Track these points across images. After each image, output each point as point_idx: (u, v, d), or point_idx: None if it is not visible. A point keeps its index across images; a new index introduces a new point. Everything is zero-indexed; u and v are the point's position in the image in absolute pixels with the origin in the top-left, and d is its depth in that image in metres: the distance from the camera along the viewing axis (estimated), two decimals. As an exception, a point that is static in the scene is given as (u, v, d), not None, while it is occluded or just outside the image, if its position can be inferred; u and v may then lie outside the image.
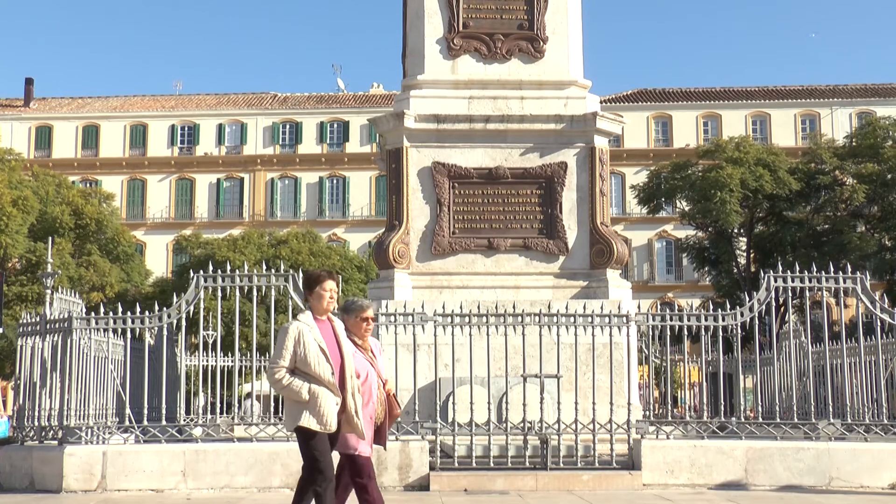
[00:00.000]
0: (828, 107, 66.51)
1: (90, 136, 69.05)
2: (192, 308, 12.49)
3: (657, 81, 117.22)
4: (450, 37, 14.97)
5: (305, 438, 7.82)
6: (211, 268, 12.97)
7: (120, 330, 12.96)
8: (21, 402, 13.57)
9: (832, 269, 13.14)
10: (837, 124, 63.97)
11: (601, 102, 15.39)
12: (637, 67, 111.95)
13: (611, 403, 11.97)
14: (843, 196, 44.37)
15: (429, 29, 15.00)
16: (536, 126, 14.74)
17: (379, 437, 8.32)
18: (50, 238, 36.65)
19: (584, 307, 12.51)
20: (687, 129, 66.77)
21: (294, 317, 8.09)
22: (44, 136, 68.95)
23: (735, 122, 64.72)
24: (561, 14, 15.10)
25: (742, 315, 12.66)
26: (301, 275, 10.74)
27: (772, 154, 44.81)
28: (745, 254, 46.35)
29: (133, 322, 12.70)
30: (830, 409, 12.91)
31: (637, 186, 49.68)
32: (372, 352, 8.38)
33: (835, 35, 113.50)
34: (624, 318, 12.44)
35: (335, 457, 7.93)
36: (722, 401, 15.71)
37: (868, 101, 65.83)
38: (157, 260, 63.90)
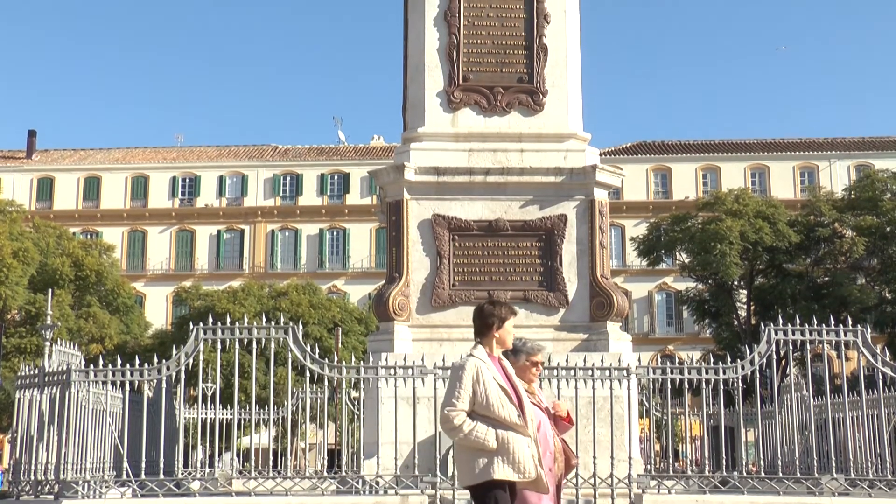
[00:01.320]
0: (826, 159, 66.81)
1: (92, 187, 69.28)
2: (191, 360, 12.44)
3: (656, 134, 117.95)
4: (450, 90, 15.07)
5: (487, 494, 6.86)
6: (210, 320, 12.93)
7: (118, 382, 12.90)
8: (17, 455, 13.47)
9: (833, 322, 13.09)
10: (836, 177, 64.21)
11: (601, 155, 15.46)
12: (636, 120, 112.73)
13: (612, 457, 11.87)
14: (842, 248, 44.40)
15: (429, 82, 15.10)
16: (536, 179, 14.78)
17: (557, 494, 7.47)
18: (50, 290, 36.63)
19: (585, 360, 12.46)
20: (686, 182, 67.01)
21: (469, 354, 7.29)
22: (45, 188, 69.18)
23: (734, 175, 64.95)
24: (560, 68, 15.21)
25: (743, 368, 12.61)
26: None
27: (771, 206, 44.92)
28: (745, 306, 46.27)
29: (132, 374, 12.64)
30: (833, 464, 12.80)
31: (637, 239, 49.74)
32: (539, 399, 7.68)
33: (832, 88, 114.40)
34: (624, 372, 12.39)
35: None
36: (724, 455, 15.58)
37: (866, 154, 66.16)
38: (157, 311, 63.79)
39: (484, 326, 7.25)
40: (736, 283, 45.49)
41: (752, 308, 45.56)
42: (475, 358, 7.09)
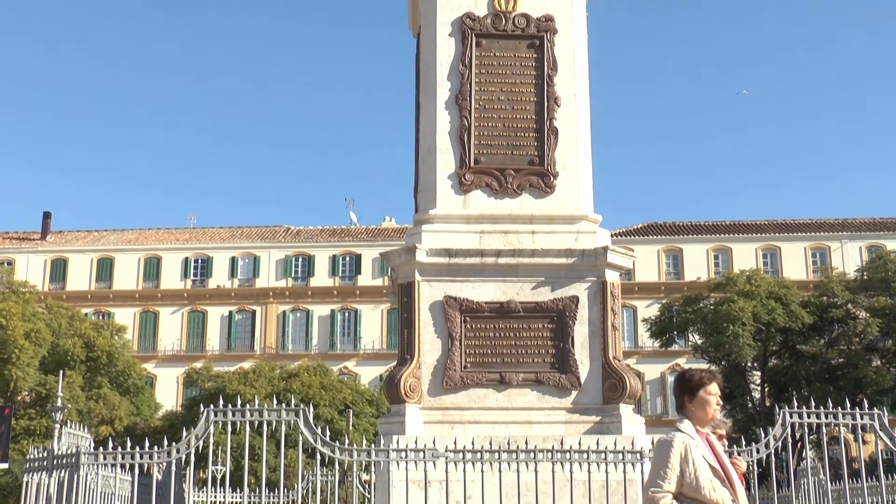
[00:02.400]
0: (838, 240, 66.83)
1: (104, 268, 69.63)
2: (201, 443, 12.36)
3: (667, 215, 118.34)
4: (461, 172, 15.18)
5: None
6: (221, 401, 12.88)
7: (128, 465, 12.80)
8: (25, 539, 13.31)
9: (849, 405, 12.97)
10: (848, 258, 64.15)
11: (612, 236, 15.49)
12: (647, 201, 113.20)
13: (626, 543, 11.67)
14: (856, 330, 44.15)
15: (440, 164, 15.22)
16: (548, 260, 14.80)
17: None
18: (61, 371, 36.54)
19: (598, 443, 12.32)
20: (698, 263, 67.01)
21: (675, 428, 6.74)
22: (59, 269, 69.54)
23: (746, 256, 64.97)
24: (571, 150, 15.32)
25: (758, 451, 12.45)
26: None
27: (783, 287, 44.82)
28: (759, 388, 45.90)
29: (141, 457, 12.55)
30: (852, 550, 12.57)
31: (649, 320, 49.58)
32: None
33: (843, 169, 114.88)
34: (637, 455, 12.24)
35: None
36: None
37: (878, 235, 66.18)
38: (168, 393, 63.56)
39: (688, 396, 6.69)
40: (749, 364, 45.19)
41: (767, 390, 45.19)
42: (682, 433, 6.51)
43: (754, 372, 46.26)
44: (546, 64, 15.28)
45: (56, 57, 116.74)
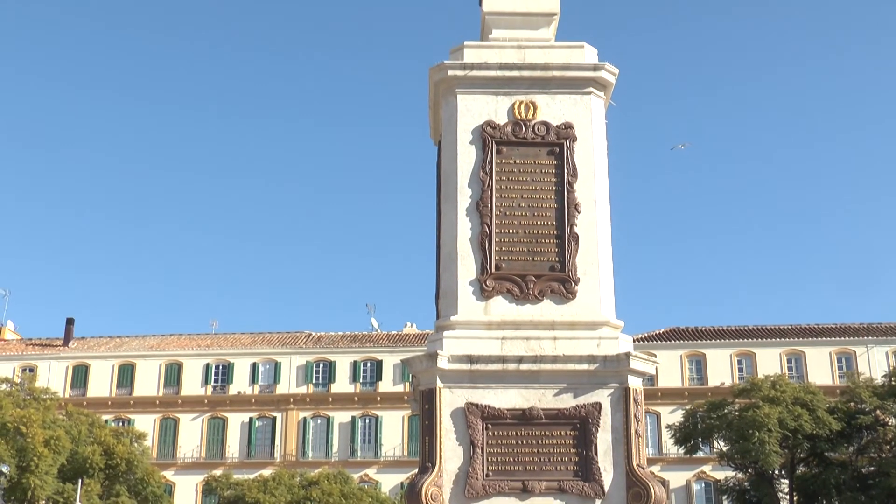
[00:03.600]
0: (863, 345, 66.20)
1: (126, 374, 69.67)
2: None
3: (689, 320, 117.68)
4: (482, 278, 15.18)
5: None
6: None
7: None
8: None
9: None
10: (874, 362, 63.47)
11: (634, 341, 15.39)
12: (669, 305, 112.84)
13: None
14: (886, 437, 43.40)
15: (462, 271, 15.24)
16: (569, 367, 14.68)
17: None
18: (79, 479, 36.26)
19: (623, 554, 12.04)
20: (721, 368, 66.42)
21: None
22: (80, 375, 69.62)
23: (770, 361, 64.39)
24: (591, 255, 15.34)
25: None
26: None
27: (809, 393, 44.24)
28: (788, 496, 44.95)
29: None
30: None
31: (673, 426, 48.92)
32: None
33: (867, 272, 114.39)
34: (665, 567, 11.95)
35: None
36: None
37: (904, 340, 65.57)
38: (187, 501, 62.92)
39: None
40: (777, 472, 44.38)
41: (795, 498, 44.24)
42: None
43: (782, 480, 45.38)
44: (566, 171, 15.40)
45: (76, 158, 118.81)
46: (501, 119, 15.59)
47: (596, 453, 14.35)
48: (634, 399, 14.60)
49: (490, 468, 14.27)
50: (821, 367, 65.23)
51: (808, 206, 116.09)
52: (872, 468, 43.25)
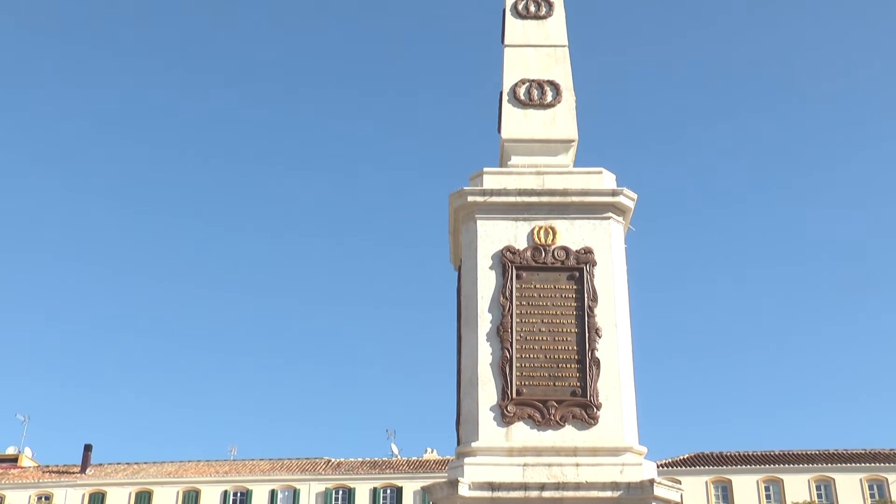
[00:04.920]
0: (895, 472, 64.79)
1: (143, 501, 68.86)
2: None
3: (714, 444, 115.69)
4: (503, 404, 15.05)
5: None
6: None
7: None
8: None
9: None
10: (905, 489, 62.00)
11: (658, 467, 15.14)
12: (693, 429, 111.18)
13: None
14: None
15: (482, 396, 15.12)
16: (592, 494, 14.41)
17: None
18: None
19: None
20: (748, 495, 65.03)
21: None
22: (97, 503, 68.79)
23: (798, 487, 63.08)
24: (613, 380, 15.21)
25: None
26: None
27: (839, 521, 43.27)
28: None
29: None
30: None
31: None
32: None
33: None
34: None
35: None
36: None
37: (935, 466, 64.19)
38: None
39: None
40: None
41: None
42: None
43: None
44: (586, 295, 15.41)
45: (93, 281, 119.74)
46: (521, 244, 15.69)
47: (622, 586, 13.96)
48: (660, 527, 14.27)
49: None
50: (851, 495, 63.78)
51: (834, 325, 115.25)
52: None
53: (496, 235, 15.75)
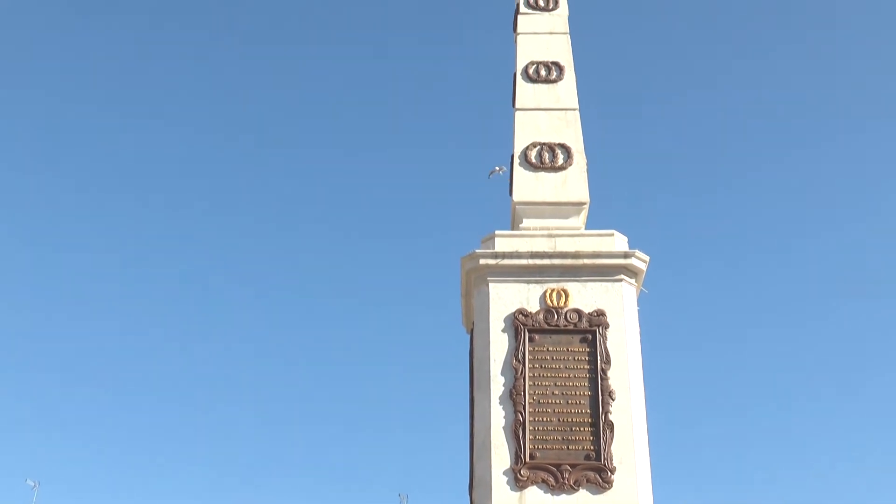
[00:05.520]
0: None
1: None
2: None
3: (731, 502, 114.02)
4: (517, 468, 14.93)
5: None
6: None
7: None
8: None
9: None
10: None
11: (674, 534, 14.96)
12: (708, 489, 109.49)
13: None
14: None
15: (495, 460, 15.01)
16: (608, 559, 14.25)
17: None
18: None
19: None
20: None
21: None
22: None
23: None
24: (627, 444, 15.10)
25: None
26: None
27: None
28: None
29: None
30: None
31: None
32: None
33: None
34: None
35: None
36: None
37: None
38: None
39: None
40: None
41: None
42: None
43: None
44: (599, 358, 15.37)
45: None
46: (533, 307, 15.69)
47: None
48: None
49: None
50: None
51: (851, 384, 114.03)
52: None
53: (508, 298, 15.77)
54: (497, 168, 16.95)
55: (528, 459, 14.94)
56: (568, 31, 18.63)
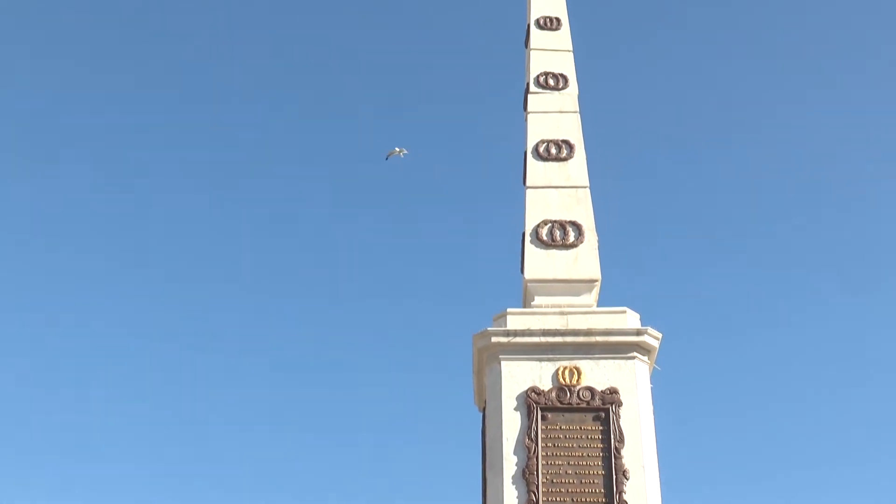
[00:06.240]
0: None
1: None
2: None
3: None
4: (530, 534, 14.74)
5: None
6: None
7: None
8: None
9: None
10: None
11: None
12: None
13: None
14: None
15: (509, 525, 14.84)
16: None
17: None
18: None
19: None
20: None
21: None
22: None
23: None
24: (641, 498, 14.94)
25: None
26: None
27: None
28: None
29: None
30: None
31: None
32: None
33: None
34: None
35: None
36: None
37: None
38: None
39: None
40: None
41: None
42: None
43: None
44: (612, 436, 15.22)
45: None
46: (546, 385, 15.62)
47: None
48: None
49: None
50: None
51: (868, 457, 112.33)
52: None
53: (521, 376, 15.71)
54: (397, 150, 16.15)
55: (541, 523, 14.75)
56: (577, 109, 18.84)
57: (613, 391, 15.54)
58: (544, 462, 15.14)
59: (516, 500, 14.98)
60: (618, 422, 15.36)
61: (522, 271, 17.16)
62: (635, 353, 15.81)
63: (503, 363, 15.78)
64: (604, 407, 15.48)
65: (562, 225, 17.25)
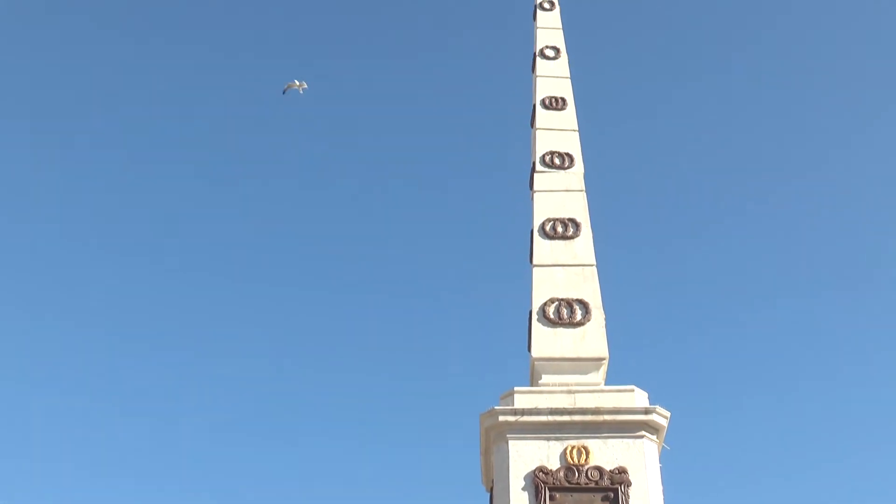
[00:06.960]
0: None
1: None
2: None
3: None
4: None
5: None
6: None
7: None
8: None
9: None
10: None
11: None
12: None
13: None
14: None
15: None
16: None
17: None
18: None
19: None
20: None
21: None
22: None
23: None
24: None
25: None
26: None
27: None
28: None
29: None
30: None
31: None
32: None
33: None
34: None
35: None
36: None
37: None
38: None
39: None
40: None
41: None
42: None
43: None
44: (622, 516, 15.10)
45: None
46: (553, 464, 15.49)
47: None
48: None
49: None
50: None
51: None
52: None
53: (528, 456, 15.60)
54: (296, 83, 15.31)
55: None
56: (584, 188, 18.95)
57: (622, 471, 15.40)
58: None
59: (526, 573, 14.81)
60: (627, 502, 15.19)
61: (529, 350, 17.11)
62: (644, 432, 15.69)
63: (510, 442, 15.66)
64: (612, 487, 15.31)
65: (569, 303, 17.26)
